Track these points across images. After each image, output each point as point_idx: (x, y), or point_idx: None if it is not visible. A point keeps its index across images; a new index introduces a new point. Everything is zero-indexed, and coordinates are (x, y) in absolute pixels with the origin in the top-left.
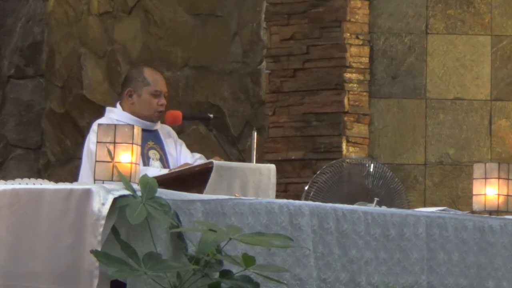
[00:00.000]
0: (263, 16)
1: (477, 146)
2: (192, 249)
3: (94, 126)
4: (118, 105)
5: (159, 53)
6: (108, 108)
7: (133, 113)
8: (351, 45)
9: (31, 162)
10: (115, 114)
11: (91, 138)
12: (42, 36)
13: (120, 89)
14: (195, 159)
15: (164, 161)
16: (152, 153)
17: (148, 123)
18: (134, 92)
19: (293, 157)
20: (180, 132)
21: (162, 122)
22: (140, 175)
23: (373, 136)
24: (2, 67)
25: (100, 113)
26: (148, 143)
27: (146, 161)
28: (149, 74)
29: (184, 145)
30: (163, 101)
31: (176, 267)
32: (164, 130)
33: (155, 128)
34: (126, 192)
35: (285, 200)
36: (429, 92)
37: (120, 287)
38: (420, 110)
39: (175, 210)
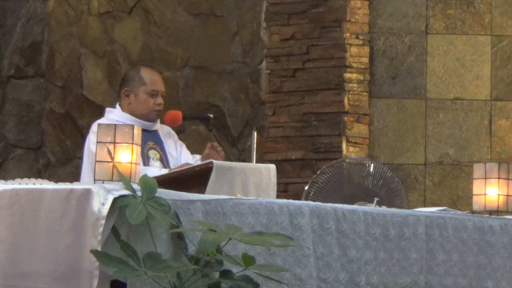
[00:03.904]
0: (263, 16)
1: (477, 146)
2: (192, 249)
3: (94, 127)
4: (117, 105)
5: (159, 53)
6: (107, 109)
7: (131, 113)
8: (351, 45)
9: (31, 162)
10: (114, 115)
11: (91, 139)
12: (42, 36)
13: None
14: (196, 160)
15: (164, 161)
16: (152, 153)
17: (147, 123)
18: (131, 92)
19: (293, 157)
20: (180, 132)
21: (162, 123)
22: (140, 175)
23: (373, 136)
24: (2, 67)
25: (100, 113)
26: (148, 143)
27: (146, 161)
28: (145, 73)
29: (184, 146)
30: (160, 100)
31: (176, 267)
32: (164, 130)
33: (154, 128)
34: (126, 192)
35: (285, 200)
36: (429, 92)
37: (120, 287)
38: (420, 110)
39: (175, 210)
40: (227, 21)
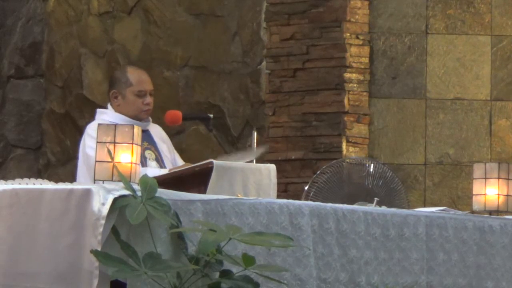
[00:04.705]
0: (263, 16)
1: (477, 146)
2: (192, 249)
3: (89, 130)
4: (109, 106)
5: (159, 53)
6: (98, 110)
7: (121, 114)
8: (351, 45)
9: (31, 162)
10: (107, 116)
11: (87, 143)
12: (42, 36)
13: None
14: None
15: (160, 161)
16: (148, 153)
17: (139, 123)
18: (119, 94)
19: (293, 157)
20: (180, 132)
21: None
22: (140, 175)
23: (373, 136)
24: (2, 67)
25: None
26: (143, 143)
27: (143, 161)
28: (132, 74)
29: (178, 157)
30: (148, 100)
31: (176, 267)
32: (156, 131)
33: (147, 128)
34: (126, 192)
35: (285, 200)
36: (429, 92)
37: (120, 287)
38: (420, 110)
39: (175, 210)
40: (227, 21)
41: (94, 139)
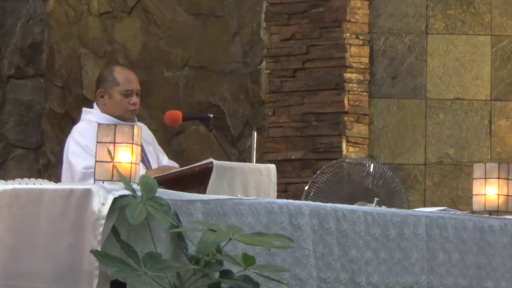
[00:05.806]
0: (263, 16)
1: (477, 146)
2: (192, 249)
3: (75, 133)
4: (95, 105)
5: (159, 53)
6: (84, 109)
7: (107, 113)
8: (351, 45)
9: (31, 162)
10: (93, 116)
11: (71, 148)
12: (42, 36)
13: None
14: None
15: (145, 162)
16: None
17: (125, 123)
18: (105, 93)
19: (293, 157)
20: (180, 132)
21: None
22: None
23: (373, 136)
24: (2, 67)
25: None
26: None
27: None
28: (119, 73)
29: (165, 155)
30: (134, 100)
31: (176, 267)
32: (142, 131)
33: None
34: (126, 192)
35: (285, 200)
36: (429, 92)
37: (120, 287)
38: (420, 110)
39: (175, 210)
40: (227, 21)
41: (78, 145)
